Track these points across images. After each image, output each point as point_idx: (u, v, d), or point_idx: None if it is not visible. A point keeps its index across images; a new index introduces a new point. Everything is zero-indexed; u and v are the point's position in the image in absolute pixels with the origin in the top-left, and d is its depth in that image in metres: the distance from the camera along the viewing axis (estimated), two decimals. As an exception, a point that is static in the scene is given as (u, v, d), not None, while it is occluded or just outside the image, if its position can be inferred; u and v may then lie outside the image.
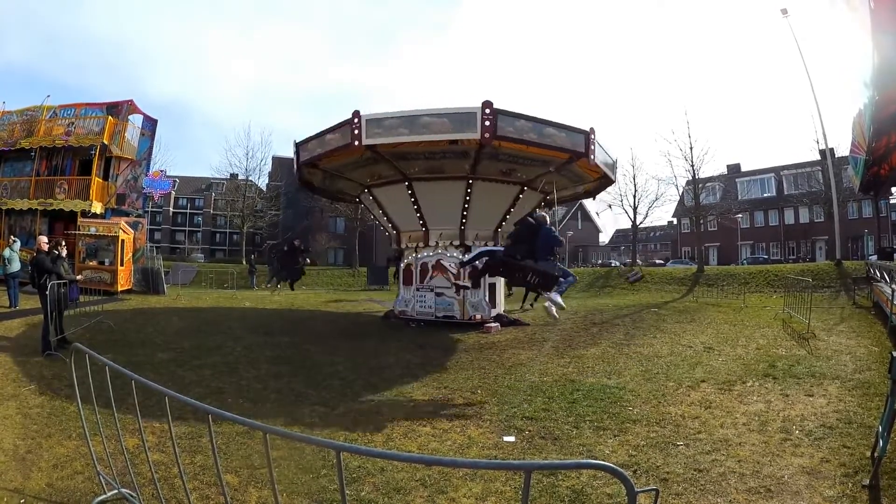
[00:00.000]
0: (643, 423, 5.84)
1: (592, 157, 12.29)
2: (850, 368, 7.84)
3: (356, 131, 11.45)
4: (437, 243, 14.39)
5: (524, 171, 13.46)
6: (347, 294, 27.26)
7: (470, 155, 12.27)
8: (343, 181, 15.00)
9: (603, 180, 15.05)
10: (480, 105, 11.13)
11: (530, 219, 9.42)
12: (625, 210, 37.63)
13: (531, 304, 17.11)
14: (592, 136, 12.22)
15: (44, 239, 9.55)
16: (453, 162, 12.82)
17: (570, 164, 12.74)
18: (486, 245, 14.67)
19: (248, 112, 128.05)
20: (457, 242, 14.23)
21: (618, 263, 54.42)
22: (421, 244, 14.51)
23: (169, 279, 23.88)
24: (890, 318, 10.67)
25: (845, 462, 4.55)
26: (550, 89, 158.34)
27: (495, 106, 11.07)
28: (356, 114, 11.49)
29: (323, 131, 12.54)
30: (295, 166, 14.14)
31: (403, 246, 14.97)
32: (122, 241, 19.82)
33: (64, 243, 10.53)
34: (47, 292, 8.86)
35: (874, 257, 25.80)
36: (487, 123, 11.13)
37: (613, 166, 14.27)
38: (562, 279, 8.86)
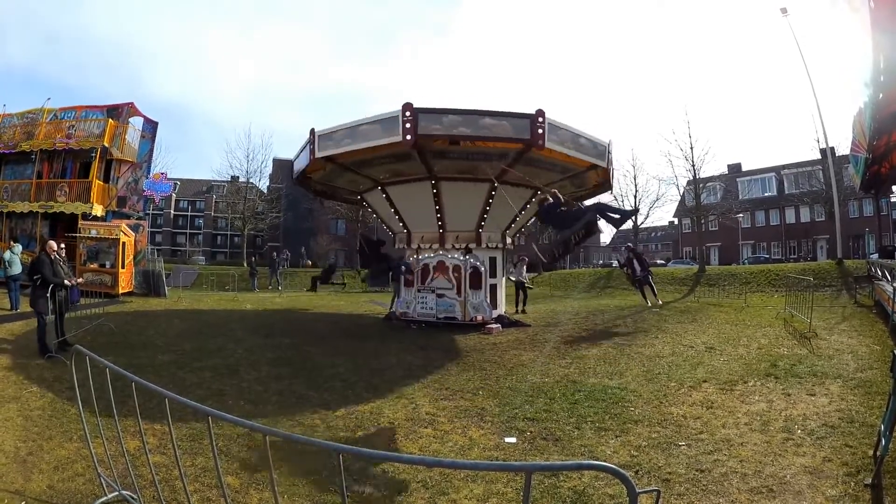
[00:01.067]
0: (645, 424, 5.84)
1: (541, 142, 11.39)
2: (851, 367, 7.82)
3: (408, 125, 11.09)
4: (453, 245, 14.36)
5: (488, 167, 13.11)
6: (348, 295, 27.27)
7: (508, 156, 12.19)
8: (352, 177, 14.87)
9: (598, 171, 14.39)
10: (534, 113, 11.29)
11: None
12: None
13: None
14: (540, 120, 11.35)
15: (53, 245, 9.53)
16: (483, 163, 12.69)
17: (527, 154, 12.10)
18: (497, 247, 14.77)
19: (248, 113, 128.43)
20: (463, 245, 14.23)
21: (619, 264, 54.38)
22: (436, 245, 14.45)
23: (170, 281, 23.88)
24: (891, 316, 10.65)
25: (847, 461, 4.54)
26: (551, 90, 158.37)
27: (415, 106, 11.07)
28: (408, 106, 11.11)
29: (358, 122, 12.16)
30: (308, 156, 13.37)
31: (416, 246, 14.84)
32: (123, 243, 19.82)
33: (63, 246, 10.53)
34: (47, 295, 8.88)
35: (875, 256, 25.77)
36: (540, 131, 11.23)
37: (599, 151, 13.53)
38: None
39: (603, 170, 14.02)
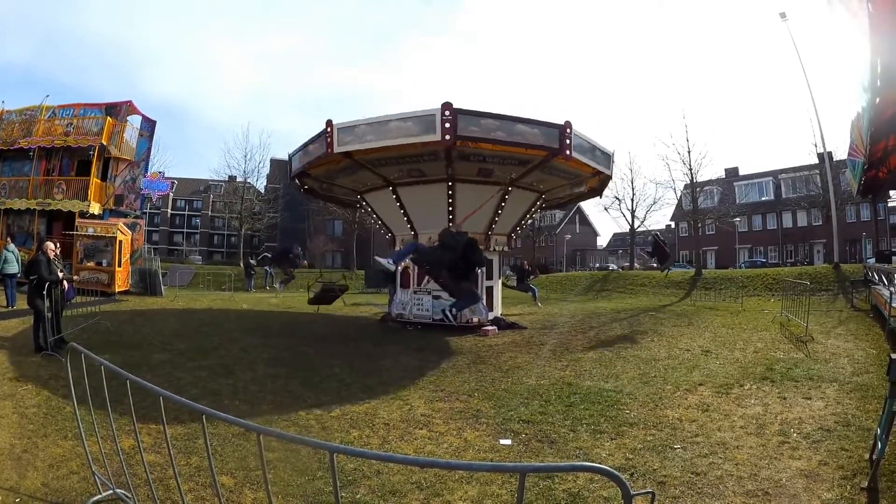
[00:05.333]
0: (640, 427, 5.83)
1: (568, 151, 11.85)
2: (848, 371, 7.83)
3: (447, 125, 11.10)
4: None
5: (504, 171, 13.43)
6: (345, 296, 27.22)
7: (531, 162, 12.38)
8: (337, 187, 14.92)
9: (600, 177, 14.77)
10: (563, 124, 11.62)
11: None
12: (623, 214, 37.74)
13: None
14: (568, 131, 11.85)
15: (51, 245, 9.51)
16: (501, 167, 12.89)
17: (550, 161, 12.43)
18: (496, 249, 14.81)
19: (246, 113, 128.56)
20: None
21: (616, 267, 54.47)
22: None
23: (166, 280, 23.86)
24: (888, 320, 10.67)
25: (843, 465, 4.55)
26: (551, 91, 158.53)
27: (455, 107, 11.09)
28: (448, 106, 11.14)
29: (387, 118, 12.02)
30: (322, 149, 13.11)
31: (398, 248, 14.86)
32: (120, 242, 19.80)
33: (58, 244, 10.50)
34: (43, 293, 8.85)
35: (872, 260, 25.78)
36: (568, 142, 11.62)
37: (608, 160, 13.95)
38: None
39: (604, 176, 14.26)
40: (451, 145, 11.30)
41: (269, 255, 31.30)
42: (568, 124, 11.81)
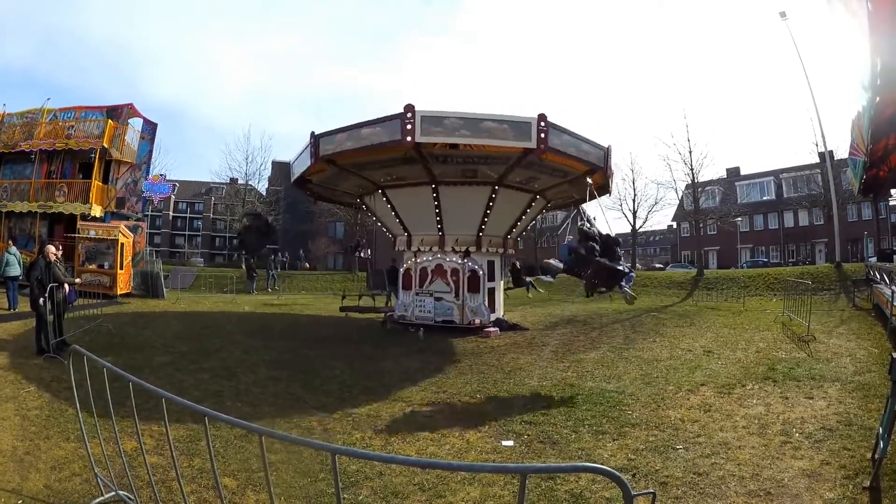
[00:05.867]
0: (642, 427, 5.83)
1: (543, 146, 11.29)
2: (850, 371, 7.83)
3: (409, 127, 11.03)
4: (453, 248, 14.35)
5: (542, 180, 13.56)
6: (347, 298, 27.20)
7: (510, 160, 12.18)
8: (354, 180, 14.82)
9: (595, 174, 13.79)
10: (536, 117, 11.23)
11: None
12: (624, 214, 37.71)
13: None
14: (542, 124, 11.21)
15: (52, 248, 9.53)
16: (483, 167, 12.77)
17: (528, 158, 11.94)
18: (497, 251, 14.77)
19: (247, 114, 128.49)
20: (463, 249, 14.20)
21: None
22: (436, 248, 14.39)
23: (168, 283, 23.86)
24: (890, 319, 10.66)
25: (846, 464, 4.54)
26: (550, 92, 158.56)
27: (417, 108, 11.06)
28: (410, 108, 11.07)
29: (358, 124, 12.05)
30: (309, 158, 13.18)
31: (415, 249, 14.80)
32: (122, 244, 19.82)
33: (60, 247, 10.52)
34: (46, 296, 8.87)
35: (874, 259, 25.77)
36: (542, 136, 11.18)
37: (602, 157, 13.48)
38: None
39: (601, 174, 13.96)
40: (414, 147, 11.28)
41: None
42: (542, 117, 11.21)
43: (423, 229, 14.48)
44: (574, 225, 10.93)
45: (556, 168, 12.92)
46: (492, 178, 13.22)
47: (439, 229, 14.18)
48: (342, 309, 16.62)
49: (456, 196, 13.67)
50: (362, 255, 26.13)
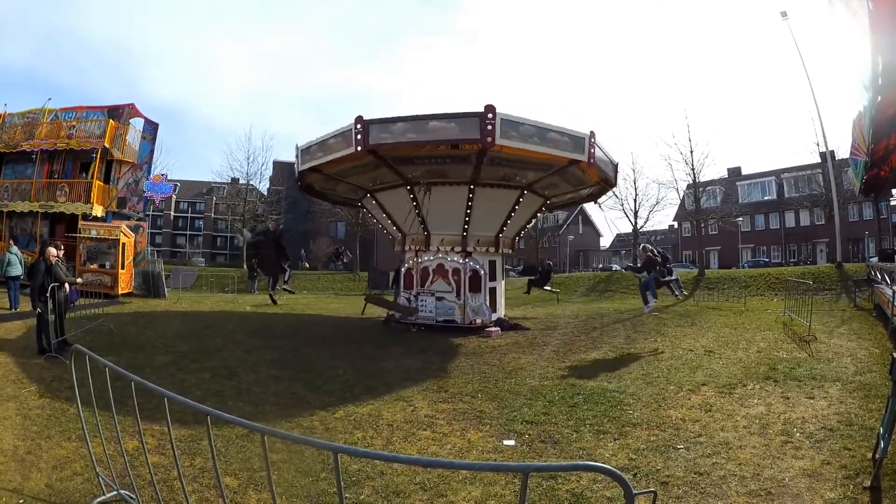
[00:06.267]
0: (643, 427, 5.83)
1: (490, 139, 11.29)
2: (850, 371, 7.82)
3: (359, 136, 11.45)
4: (438, 248, 14.37)
5: (523, 175, 13.54)
6: (347, 297, 27.25)
7: (471, 157, 12.23)
8: (345, 185, 14.90)
9: (590, 168, 13.62)
10: (588, 133, 12.03)
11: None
12: (625, 214, 37.68)
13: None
14: (490, 117, 11.22)
15: (53, 251, 9.53)
16: (450, 166, 12.89)
17: (489, 154, 11.93)
18: (487, 250, 14.76)
19: (247, 114, 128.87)
20: (458, 248, 14.20)
21: (619, 268, 54.41)
22: (423, 248, 14.40)
23: (169, 283, 23.88)
24: (891, 319, 10.65)
25: (846, 464, 4.54)
26: (550, 93, 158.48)
27: (366, 118, 11.52)
28: (359, 119, 11.50)
29: (325, 136, 12.48)
30: (297, 170, 14.03)
31: (406, 249, 14.84)
32: (123, 244, 19.84)
33: (62, 247, 10.54)
34: (47, 296, 8.89)
35: (875, 259, 25.75)
36: (592, 150, 12.07)
37: (581, 145, 12.74)
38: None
39: (587, 164, 13.54)
40: (368, 153, 11.67)
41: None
42: (490, 108, 11.23)
43: (446, 229, 14.35)
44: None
45: (527, 161, 12.79)
46: (523, 183, 13.65)
47: (424, 229, 14.23)
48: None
49: (488, 198, 13.85)
50: (344, 261, 26.18)
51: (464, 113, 11.59)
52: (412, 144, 11.95)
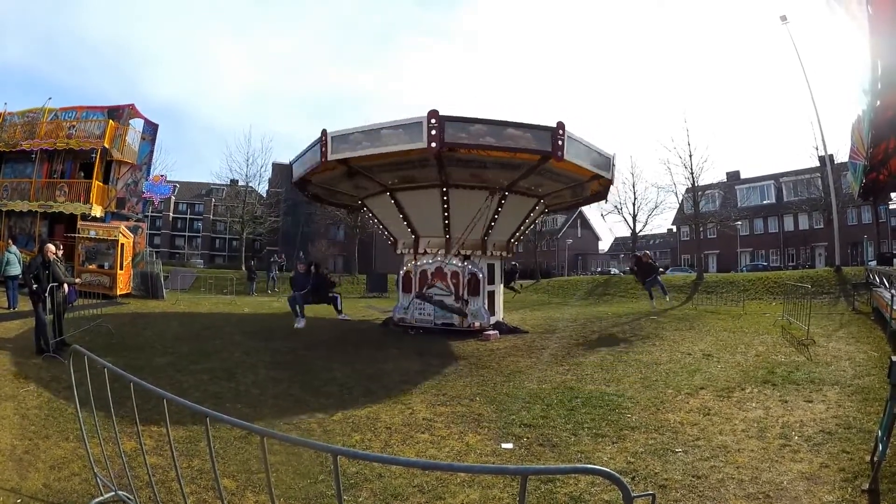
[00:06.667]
0: (642, 430, 5.83)
1: (560, 153, 11.63)
2: (849, 374, 7.82)
3: (433, 132, 11.17)
4: (426, 250, 14.45)
5: (498, 175, 13.42)
6: (346, 301, 27.23)
7: (523, 166, 12.35)
8: (360, 181, 14.86)
9: (597, 180, 14.47)
10: (555, 126, 11.51)
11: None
12: (624, 218, 37.67)
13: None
14: (561, 133, 11.57)
15: (52, 247, 9.52)
16: (495, 172, 12.83)
17: (543, 165, 12.28)
18: (497, 255, 14.93)
19: (247, 115, 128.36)
20: (468, 252, 14.20)
21: (617, 271, 54.42)
22: (442, 251, 14.37)
23: (168, 284, 23.86)
24: (889, 323, 10.66)
25: (845, 467, 4.54)
26: (551, 96, 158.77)
27: (441, 113, 11.19)
28: (434, 113, 11.20)
29: (379, 126, 12.16)
30: (318, 157, 13.27)
31: (422, 251, 14.83)
32: (122, 245, 19.81)
33: (61, 246, 10.53)
34: (45, 296, 8.88)
35: (874, 263, 25.77)
36: (560, 143, 11.52)
37: (608, 164, 13.84)
38: None
39: (605, 180, 14.16)
40: (438, 152, 11.37)
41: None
42: (560, 125, 11.52)
43: (430, 232, 14.45)
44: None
45: (563, 175, 13.17)
46: (502, 183, 13.36)
47: (446, 232, 14.19)
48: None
49: (465, 200, 13.72)
50: (323, 271, 26.26)
51: (408, 120, 11.59)
52: (368, 157, 12.17)
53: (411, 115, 11.52)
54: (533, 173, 12.76)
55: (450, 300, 13.83)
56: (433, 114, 11.11)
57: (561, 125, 11.48)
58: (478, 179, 13.24)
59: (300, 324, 13.47)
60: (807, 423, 5.75)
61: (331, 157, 12.36)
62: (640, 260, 19.54)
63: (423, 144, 11.21)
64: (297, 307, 13.59)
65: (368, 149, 12.00)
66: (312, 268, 14.86)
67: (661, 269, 20.14)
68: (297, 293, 13.80)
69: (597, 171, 13.24)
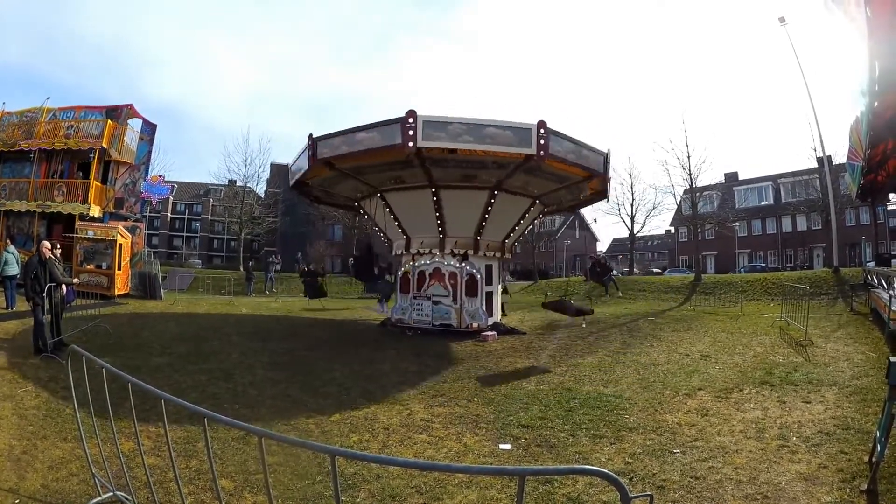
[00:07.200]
0: (640, 431, 5.83)
1: (543, 152, 11.53)
2: (847, 375, 7.84)
3: (410, 132, 11.10)
4: (419, 251, 14.48)
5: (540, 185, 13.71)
6: (345, 301, 27.21)
7: (509, 166, 12.30)
8: (352, 183, 14.82)
9: (593, 179, 14.31)
10: (536, 124, 11.37)
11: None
12: (622, 219, 37.72)
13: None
14: (542, 131, 11.48)
15: (47, 245, 9.51)
16: (482, 171, 12.83)
17: (528, 164, 12.14)
18: (494, 255, 14.91)
19: (246, 115, 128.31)
20: (462, 252, 14.22)
21: (615, 272, 54.45)
22: (435, 251, 14.38)
23: (166, 284, 23.83)
24: (887, 324, 10.66)
25: (843, 468, 4.55)
26: (549, 96, 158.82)
27: (419, 113, 11.16)
28: (412, 114, 11.13)
29: (357, 128, 12.14)
30: (307, 161, 13.21)
31: (414, 252, 14.82)
32: (120, 245, 19.79)
33: (59, 246, 10.51)
34: (43, 295, 8.87)
35: (872, 264, 25.80)
36: (542, 142, 11.36)
37: (601, 162, 13.66)
38: None
39: (600, 179, 14.09)
40: (417, 152, 11.37)
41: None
42: (542, 123, 11.43)
43: (422, 232, 14.50)
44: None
45: (554, 173, 13.03)
46: (491, 182, 13.28)
47: (440, 232, 14.18)
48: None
49: (456, 199, 13.72)
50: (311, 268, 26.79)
51: (385, 121, 11.61)
52: (349, 158, 12.34)
53: (393, 116, 11.47)
54: (520, 171, 12.69)
55: (447, 301, 13.82)
56: (411, 114, 11.13)
57: (542, 123, 11.38)
58: (467, 179, 13.25)
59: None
60: (805, 424, 5.76)
61: (318, 159, 12.52)
62: (599, 261, 25.54)
63: (399, 145, 11.25)
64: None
65: (347, 151, 12.12)
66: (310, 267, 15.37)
67: (613, 272, 25.54)
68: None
69: (588, 168, 13.07)
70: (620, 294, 24.60)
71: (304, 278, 23.60)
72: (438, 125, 11.40)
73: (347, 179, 13.97)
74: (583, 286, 29.06)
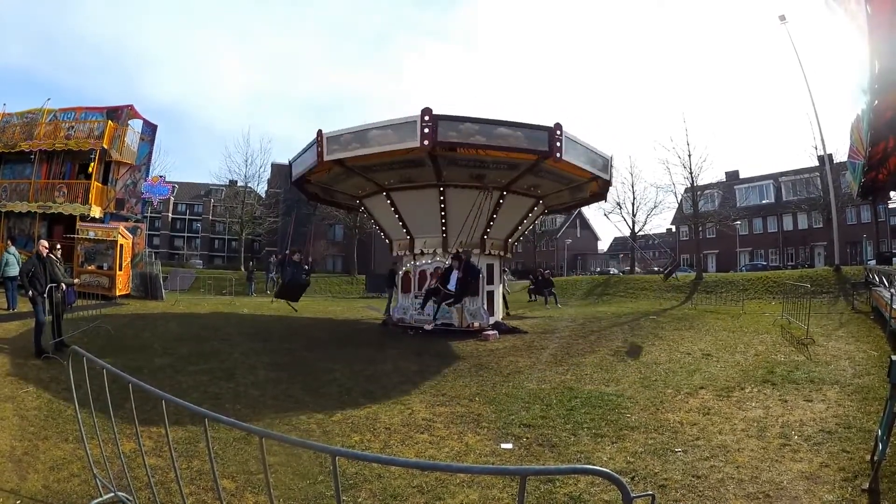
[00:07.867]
0: (641, 430, 5.82)
1: (558, 154, 11.73)
2: (849, 373, 7.82)
3: (426, 130, 11.20)
4: (422, 250, 14.47)
5: (495, 175, 13.49)
6: (345, 301, 27.23)
7: (520, 166, 12.40)
8: (357, 181, 14.87)
9: (595, 181, 14.54)
10: (552, 126, 11.53)
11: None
12: (623, 218, 37.72)
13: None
14: (558, 133, 11.66)
15: (45, 243, 9.52)
16: (492, 172, 12.87)
17: (539, 165, 12.40)
18: (496, 254, 14.92)
19: (247, 116, 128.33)
20: (440, 250, 14.25)
21: (616, 271, 54.46)
22: (439, 251, 14.38)
23: (167, 285, 23.85)
24: (889, 322, 10.66)
25: (844, 466, 4.54)
26: (549, 96, 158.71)
27: (434, 112, 11.21)
28: (427, 111, 11.22)
29: (370, 126, 12.20)
30: (314, 157, 13.29)
31: (417, 251, 14.79)
32: (121, 245, 19.77)
33: (59, 246, 10.52)
34: (44, 296, 8.87)
35: (873, 262, 25.79)
36: (558, 144, 11.55)
37: (606, 165, 13.90)
38: None
39: (603, 181, 14.18)
40: (431, 151, 11.40)
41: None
42: (558, 126, 11.63)
43: (426, 232, 14.47)
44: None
45: (561, 175, 13.15)
46: (499, 182, 13.32)
47: (443, 232, 14.17)
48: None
49: (462, 199, 13.69)
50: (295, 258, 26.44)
51: (401, 119, 11.65)
52: (363, 157, 12.26)
53: (408, 115, 11.48)
54: (530, 173, 12.79)
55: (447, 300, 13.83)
56: (427, 111, 11.14)
57: (558, 125, 11.55)
58: (476, 179, 13.23)
59: None
60: (806, 423, 5.75)
61: (326, 157, 12.43)
62: (544, 274, 26.94)
63: (415, 143, 11.26)
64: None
65: (360, 149, 12.06)
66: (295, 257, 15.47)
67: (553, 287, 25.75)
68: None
69: (595, 172, 13.28)
70: (560, 306, 23.56)
71: (286, 269, 17.89)
72: (452, 123, 11.48)
73: (353, 177, 13.89)
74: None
